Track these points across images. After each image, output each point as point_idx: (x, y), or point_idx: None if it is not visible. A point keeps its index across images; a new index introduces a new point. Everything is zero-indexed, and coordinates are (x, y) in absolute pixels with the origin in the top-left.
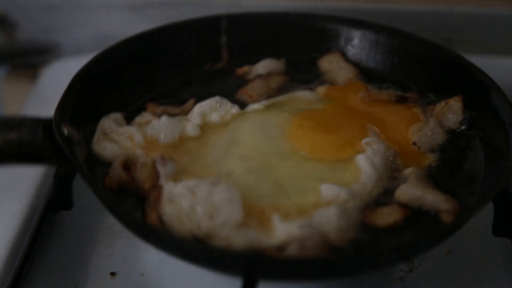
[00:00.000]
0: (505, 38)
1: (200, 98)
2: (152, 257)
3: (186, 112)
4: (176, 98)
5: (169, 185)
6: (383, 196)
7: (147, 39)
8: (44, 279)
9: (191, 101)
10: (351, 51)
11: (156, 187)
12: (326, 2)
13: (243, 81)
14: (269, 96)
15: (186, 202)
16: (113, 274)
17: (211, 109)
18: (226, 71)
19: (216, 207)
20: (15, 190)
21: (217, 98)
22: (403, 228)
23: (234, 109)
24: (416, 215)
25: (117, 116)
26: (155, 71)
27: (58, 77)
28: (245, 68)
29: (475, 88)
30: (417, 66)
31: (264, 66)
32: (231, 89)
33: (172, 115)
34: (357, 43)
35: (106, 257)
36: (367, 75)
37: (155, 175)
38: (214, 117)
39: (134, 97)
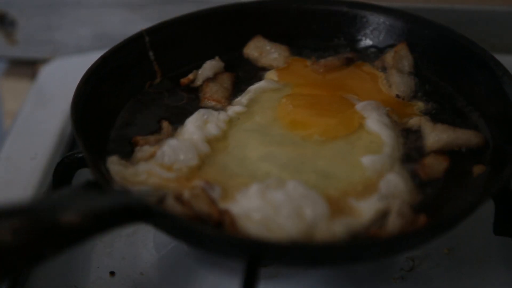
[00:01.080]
0: (506, 35)
1: (164, 119)
2: (152, 257)
3: (171, 135)
4: (141, 128)
5: (231, 204)
6: (411, 152)
7: (88, 84)
8: (43, 279)
9: (165, 123)
10: (279, 30)
11: (221, 212)
12: None
13: (191, 89)
14: (230, 95)
15: (266, 212)
16: (112, 273)
17: (203, 122)
18: (170, 85)
19: (299, 205)
20: (14, 189)
21: (201, 111)
22: (454, 172)
23: (222, 115)
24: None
25: (114, 159)
26: (106, 103)
27: (57, 75)
28: (190, 76)
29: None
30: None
31: (209, 68)
32: (191, 100)
33: (160, 141)
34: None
35: (105, 256)
36: (298, 48)
37: (212, 201)
38: (212, 129)
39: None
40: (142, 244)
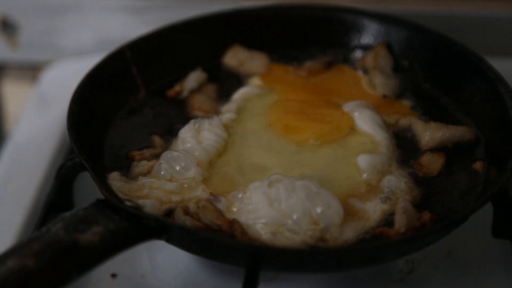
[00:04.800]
0: (504, 39)
1: (155, 133)
2: (153, 259)
3: (165, 148)
4: (133, 143)
5: (239, 215)
6: (407, 152)
7: (76, 102)
8: None
9: (157, 138)
10: (257, 38)
11: (231, 222)
12: (328, 1)
13: (177, 101)
14: (217, 105)
15: (277, 217)
16: (113, 275)
17: (196, 131)
18: (155, 98)
19: (310, 205)
20: (15, 191)
21: (193, 120)
22: (450, 168)
23: (215, 121)
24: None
25: (115, 175)
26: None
27: (59, 78)
28: (176, 88)
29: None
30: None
31: (194, 80)
32: (178, 112)
33: (156, 155)
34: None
35: None
36: (277, 55)
37: (220, 212)
38: (207, 136)
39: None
40: (143, 246)
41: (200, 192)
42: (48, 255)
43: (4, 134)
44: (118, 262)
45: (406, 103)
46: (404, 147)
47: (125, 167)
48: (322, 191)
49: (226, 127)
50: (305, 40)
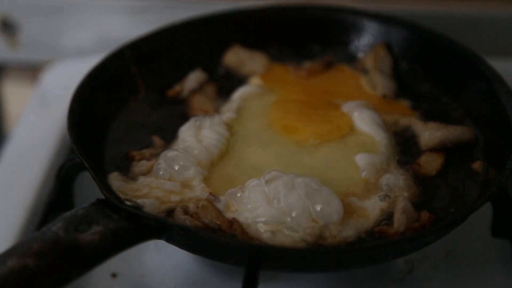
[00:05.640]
0: (504, 39)
1: (155, 133)
2: (153, 259)
3: (165, 147)
4: (133, 143)
5: (238, 214)
6: (406, 151)
7: (76, 102)
8: None
9: (157, 138)
10: (257, 38)
11: (230, 221)
12: (328, 1)
13: (177, 101)
14: (217, 105)
15: (277, 216)
16: (114, 275)
17: (197, 129)
18: (155, 98)
19: (310, 203)
20: (16, 191)
21: (193, 119)
22: (449, 168)
23: (216, 119)
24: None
25: (115, 175)
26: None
27: (59, 78)
28: (177, 88)
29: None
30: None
31: (194, 80)
32: (178, 112)
33: (156, 155)
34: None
35: None
36: (276, 55)
37: (219, 212)
38: (208, 134)
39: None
40: (143, 246)
41: (200, 192)
42: (48, 255)
43: (4, 134)
44: (118, 262)
45: (406, 103)
46: (404, 147)
47: (125, 167)
48: (322, 188)
49: (227, 126)
50: (305, 40)
